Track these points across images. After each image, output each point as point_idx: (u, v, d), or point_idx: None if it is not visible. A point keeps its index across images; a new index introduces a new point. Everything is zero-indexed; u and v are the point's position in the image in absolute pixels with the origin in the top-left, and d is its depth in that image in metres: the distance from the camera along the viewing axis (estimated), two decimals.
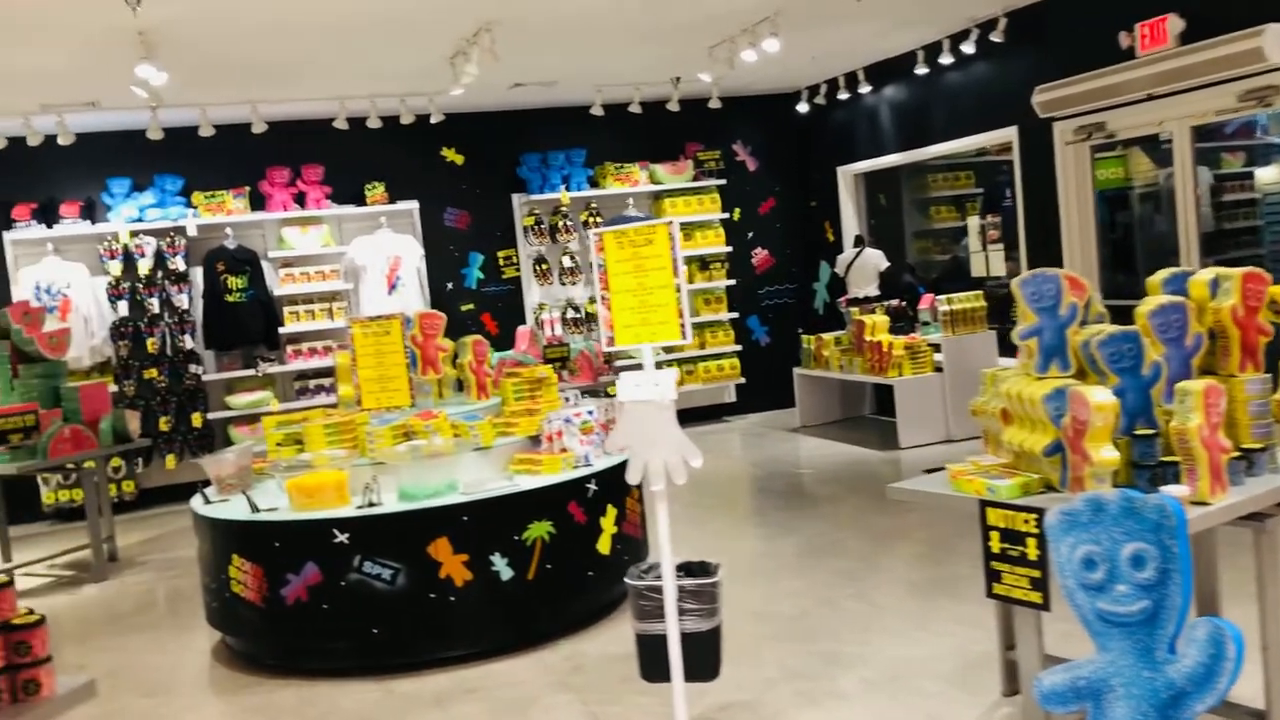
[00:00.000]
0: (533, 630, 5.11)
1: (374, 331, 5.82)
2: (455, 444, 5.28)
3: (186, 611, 6.27)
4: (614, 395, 8.68)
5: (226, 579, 5.11)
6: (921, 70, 9.49)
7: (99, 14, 6.09)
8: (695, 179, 11.18)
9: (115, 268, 9.47)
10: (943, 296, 9.42)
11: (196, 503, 5.50)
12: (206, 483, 5.72)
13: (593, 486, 5.27)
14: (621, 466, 5.52)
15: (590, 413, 5.57)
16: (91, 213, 9.63)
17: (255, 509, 5.12)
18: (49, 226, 9.43)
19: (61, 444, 7.19)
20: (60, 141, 8.79)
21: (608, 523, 5.33)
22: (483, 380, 6.11)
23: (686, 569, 3.71)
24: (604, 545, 5.31)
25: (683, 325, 3.46)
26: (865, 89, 10.28)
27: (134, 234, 9.51)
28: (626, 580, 3.71)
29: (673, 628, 3.54)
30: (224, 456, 5.61)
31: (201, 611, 5.58)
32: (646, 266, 3.47)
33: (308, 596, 4.86)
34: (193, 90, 8.33)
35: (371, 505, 4.96)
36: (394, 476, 5.08)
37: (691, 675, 3.62)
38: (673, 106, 10.17)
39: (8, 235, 9.35)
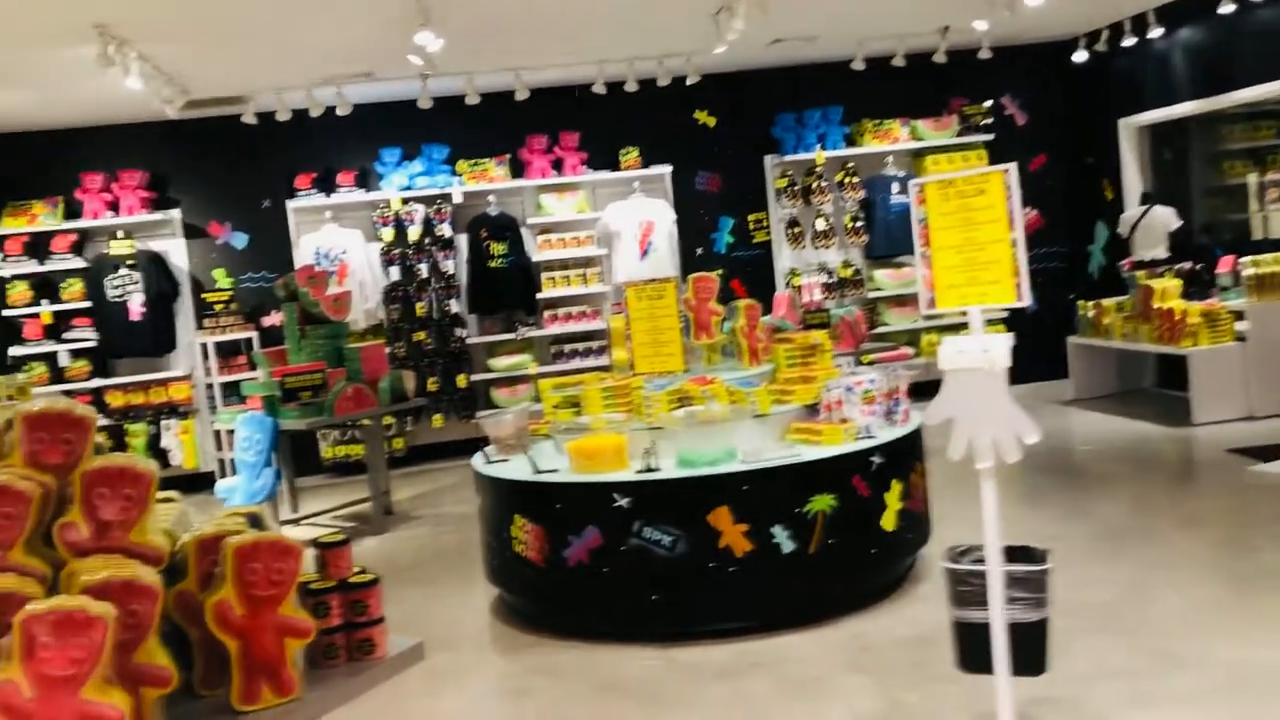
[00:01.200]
0: (814, 606, 4.91)
1: (648, 295, 5.74)
2: (732, 410, 5.12)
3: (462, 567, 6.43)
4: (869, 363, 8.35)
5: (508, 538, 5.16)
6: (1227, 8, 8.55)
7: None
8: (960, 134, 10.57)
9: (387, 234, 9.88)
10: (1247, 258, 8.49)
11: (478, 461, 5.59)
12: (476, 441, 5.80)
13: (877, 459, 5.00)
14: (907, 439, 5.25)
15: (872, 381, 5.28)
16: (365, 181, 10.07)
17: (537, 470, 5.14)
18: (327, 195, 9.93)
19: (345, 402, 7.53)
20: (338, 112, 9.20)
21: (892, 498, 5.05)
22: (754, 346, 5.92)
23: (1009, 554, 3.40)
24: (888, 521, 5.03)
25: (1018, 285, 3.13)
26: (1155, 32, 9.38)
27: (404, 201, 9.88)
28: (944, 564, 3.44)
29: (999, 616, 3.24)
30: (503, 417, 5.68)
31: (477, 567, 5.69)
32: (977, 220, 3.16)
33: (588, 559, 4.84)
34: (461, 58, 8.51)
35: (650, 470, 4.87)
36: (671, 442, 4.98)
37: (1017, 669, 3.32)
38: (939, 58, 9.62)
39: (291, 203, 9.90)
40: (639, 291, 5.77)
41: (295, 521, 8.02)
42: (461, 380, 10.02)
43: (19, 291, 9.38)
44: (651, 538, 4.74)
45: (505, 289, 9.98)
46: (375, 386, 7.78)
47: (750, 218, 10.71)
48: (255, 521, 2.89)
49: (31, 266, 9.44)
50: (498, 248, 9.92)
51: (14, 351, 9.37)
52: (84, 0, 6.05)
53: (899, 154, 10.59)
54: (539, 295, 10.12)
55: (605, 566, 4.82)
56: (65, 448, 2.40)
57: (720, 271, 10.43)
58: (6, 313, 9.36)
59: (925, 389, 4.55)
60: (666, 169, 10.34)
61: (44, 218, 9.53)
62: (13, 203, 9.57)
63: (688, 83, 9.47)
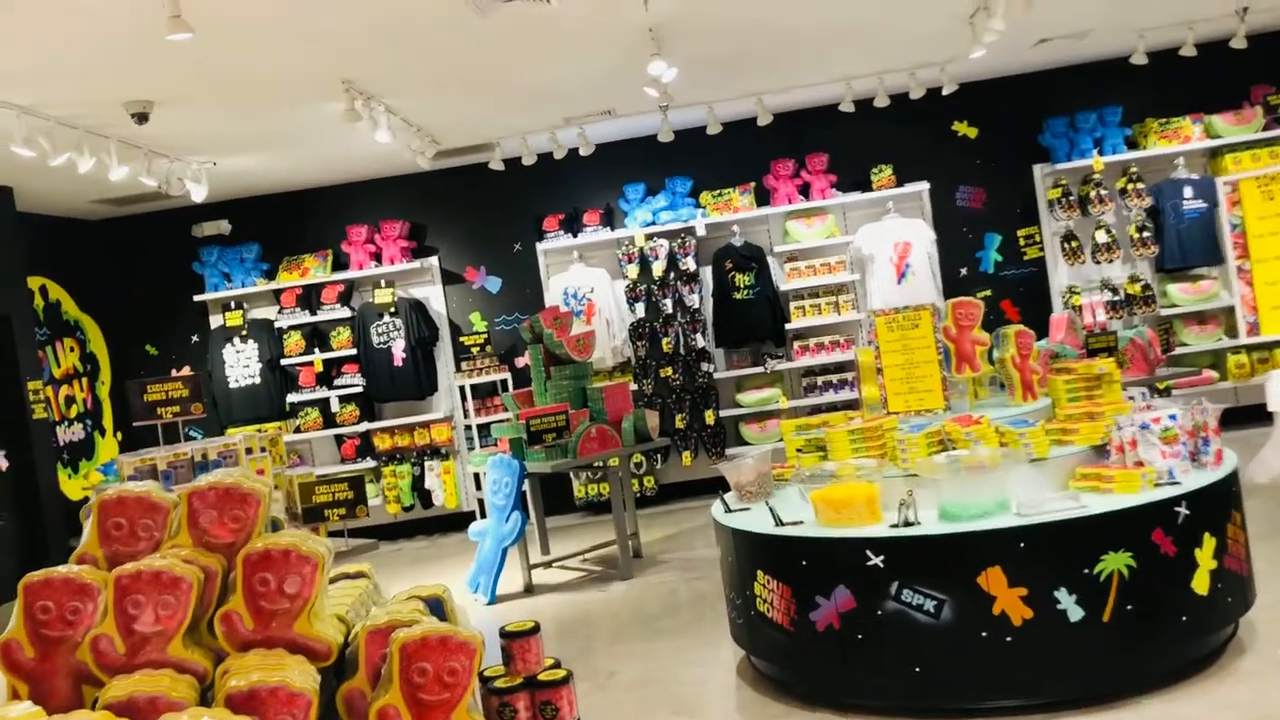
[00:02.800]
0: (1108, 685, 4.19)
1: (899, 324, 5.19)
2: (1003, 454, 4.49)
3: (710, 619, 6.07)
4: (1166, 391, 7.32)
5: (751, 595, 4.74)
6: None
7: (611, 14, 6.07)
8: (1266, 128, 9.27)
9: (632, 271, 9.75)
10: None
11: (717, 510, 5.21)
12: (723, 482, 5.44)
13: (1183, 510, 4.23)
14: (1220, 485, 4.44)
15: (1172, 416, 4.50)
16: (610, 219, 10.00)
17: (779, 522, 4.70)
18: (574, 235, 9.93)
19: (589, 443, 7.37)
20: (581, 153, 9.17)
21: (1204, 555, 4.25)
22: (1028, 378, 5.24)
23: None
24: (1200, 584, 4.23)
25: None
26: None
27: (648, 237, 9.72)
28: None
29: None
30: (743, 462, 5.28)
31: (725, 621, 5.30)
32: None
33: (840, 624, 4.34)
34: (700, 88, 8.26)
35: (908, 524, 4.33)
36: (932, 491, 4.41)
37: None
38: (1237, 43, 8.46)
39: (540, 245, 9.97)
40: (889, 321, 5.23)
41: (546, 565, 7.93)
42: (709, 417, 9.71)
43: (294, 341, 9.91)
44: (912, 602, 4.19)
45: (752, 321, 9.62)
46: (618, 426, 7.59)
47: (1020, 233, 9.84)
48: (437, 607, 2.63)
49: (304, 317, 9.96)
50: (743, 279, 9.58)
51: (291, 399, 9.89)
52: (330, 59, 6.22)
53: (1191, 154, 9.42)
54: (788, 326, 9.68)
55: (859, 632, 4.31)
56: (234, 526, 2.23)
57: (987, 293, 9.67)
58: (285, 362, 9.89)
59: (1233, 417, 3.76)
60: (923, 186, 9.67)
61: (315, 270, 10.04)
62: (289, 258, 10.14)
63: (944, 93, 8.81)
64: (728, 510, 5.16)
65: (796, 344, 9.73)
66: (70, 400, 9.34)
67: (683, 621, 6.34)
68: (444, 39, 6.16)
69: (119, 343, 10.23)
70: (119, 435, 9.78)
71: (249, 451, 5.10)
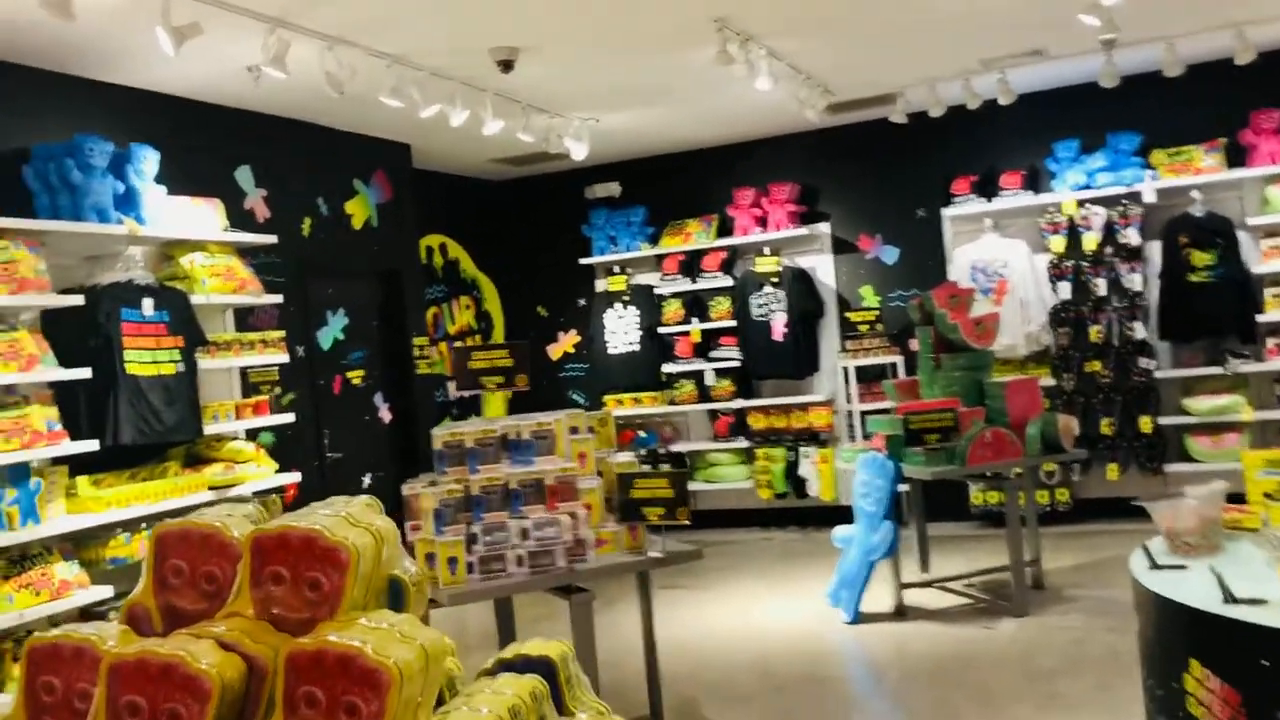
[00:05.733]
0: None
1: None
2: None
3: (1125, 692, 4.69)
4: None
5: (1179, 691, 3.42)
6: None
7: None
8: None
9: (1057, 243, 8.24)
10: None
11: (1138, 563, 3.88)
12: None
13: None
14: None
15: None
16: (1034, 182, 8.52)
17: (1229, 596, 3.33)
18: (988, 199, 8.56)
19: (981, 449, 6.15)
20: (1001, 103, 7.80)
21: None
22: None
23: None
24: None
25: None
26: None
27: (1080, 204, 8.15)
28: None
29: None
30: (1183, 503, 3.89)
31: (1143, 709, 3.97)
32: None
33: None
34: (1155, 18, 6.63)
35: None
36: None
37: None
38: None
39: (946, 211, 8.71)
40: None
41: (925, 584, 6.81)
42: (1145, 424, 7.99)
43: (673, 309, 9.44)
44: None
45: (1211, 309, 7.76)
46: (1021, 431, 6.27)
47: None
48: (554, 697, 1.76)
49: (684, 285, 9.45)
50: (1202, 257, 7.74)
51: (667, 369, 9.44)
52: None
53: None
54: (1259, 318, 7.70)
55: None
56: (311, 596, 1.50)
57: None
58: (662, 330, 9.46)
59: None
60: None
61: (698, 236, 9.49)
62: (673, 222, 9.68)
63: None
64: (1152, 565, 3.81)
65: (1270, 341, 7.73)
66: None
67: (1085, 688, 5.01)
68: None
69: (512, 303, 10.33)
70: (511, 391, 9.85)
71: (574, 431, 4.49)
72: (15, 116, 5.48)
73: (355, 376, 7.93)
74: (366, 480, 7.81)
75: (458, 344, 8.99)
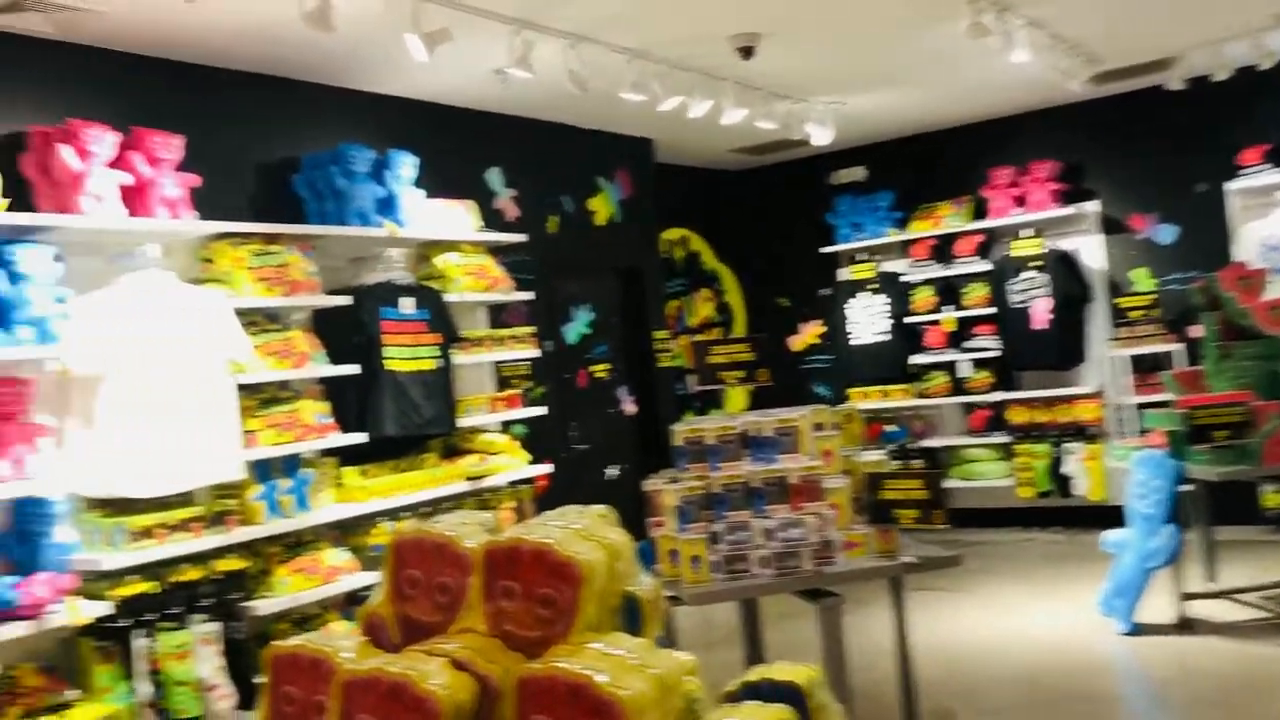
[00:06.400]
0: None
1: None
2: None
3: None
4: None
5: None
6: None
7: None
8: None
9: None
10: None
11: None
12: None
13: None
14: None
15: None
16: None
17: None
18: None
19: (1279, 447, 5.50)
20: None
21: None
22: None
23: None
24: None
25: None
26: None
27: None
28: None
29: None
30: None
31: None
32: None
33: None
34: None
35: None
36: None
37: None
38: None
39: (1230, 185, 7.88)
40: None
41: (1213, 595, 6.18)
42: None
43: (923, 297, 9.02)
44: None
45: None
46: None
47: None
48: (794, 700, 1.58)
49: (935, 271, 9.01)
50: None
51: (915, 360, 9.05)
52: None
53: None
54: None
55: None
56: (544, 614, 1.41)
57: None
58: (910, 320, 9.07)
59: None
60: None
61: (949, 219, 9.03)
62: (922, 206, 9.26)
63: None
64: None
65: None
66: None
67: None
68: None
69: (753, 294, 10.20)
70: (752, 386, 9.73)
71: (818, 428, 4.32)
72: (286, 129, 5.84)
73: (599, 370, 8.04)
74: (611, 472, 7.90)
75: (697, 338, 8.95)
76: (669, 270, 9.22)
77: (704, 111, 6.53)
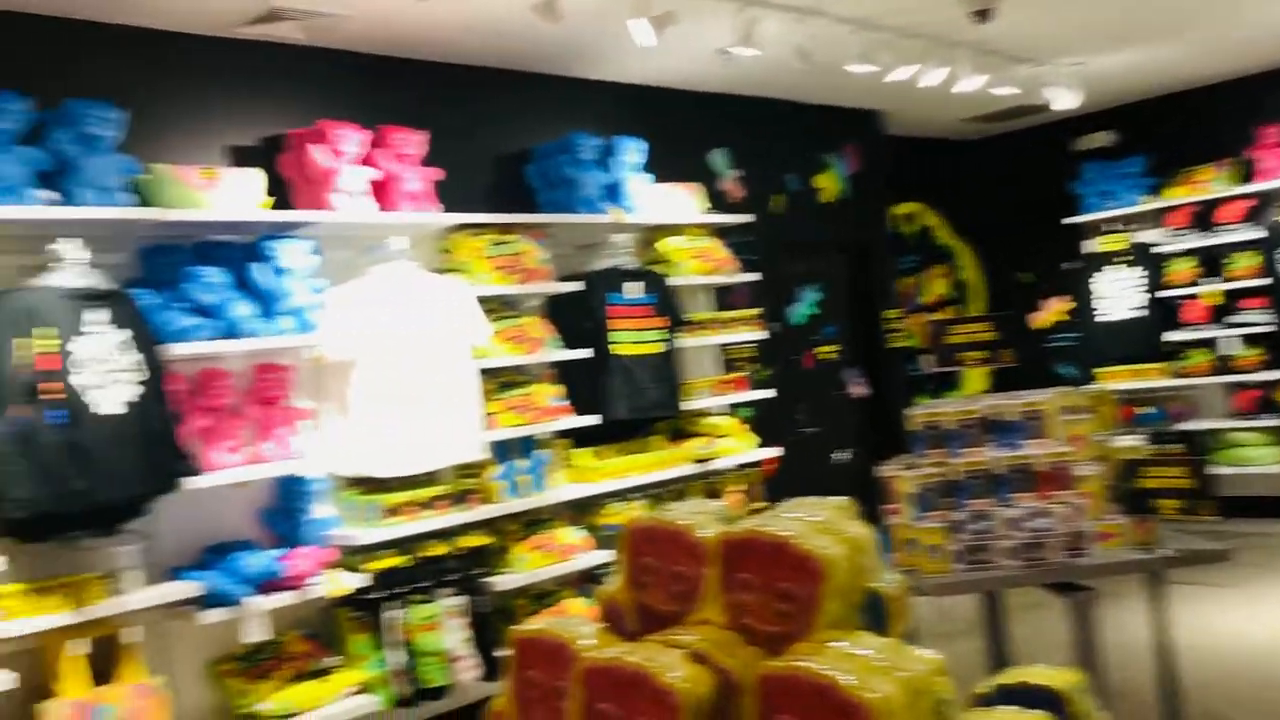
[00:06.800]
0: None
1: None
2: None
3: None
4: None
5: None
6: None
7: None
8: None
9: None
10: None
11: None
12: None
13: None
14: None
15: None
16: None
17: None
18: None
19: None
20: None
21: None
22: None
23: None
24: None
25: None
26: None
27: None
28: None
29: None
30: None
31: None
32: None
33: None
34: None
35: None
36: None
37: None
38: None
39: None
40: None
41: None
42: None
43: (1180, 269, 8.34)
44: None
45: None
46: None
47: None
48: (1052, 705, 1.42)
49: (1194, 241, 8.30)
50: None
51: (1170, 337, 8.38)
52: None
53: None
54: None
55: None
56: (783, 608, 1.33)
57: None
58: (1164, 293, 8.40)
59: None
60: None
61: (1212, 184, 8.30)
62: (1180, 170, 8.55)
63: None
64: None
65: None
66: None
67: None
68: None
69: (991, 270, 9.74)
70: (994, 367, 9.31)
71: (1067, 411, 4.07)
72: (517, 120, 6.01)
73: (827, 352, 7.88)
74: (840, 456, 7.74)
75: (933, 317, 8.63)
76: (900, 247, 8.93)
77: (937, 81, 6.26)
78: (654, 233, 6.31)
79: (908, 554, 3.91)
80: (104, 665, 3.87)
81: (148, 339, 3.98)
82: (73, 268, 3.87)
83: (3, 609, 3.64)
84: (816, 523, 1.46)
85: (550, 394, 5.39)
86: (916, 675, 1.36)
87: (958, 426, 4.02)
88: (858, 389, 8.04)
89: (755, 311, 6.66)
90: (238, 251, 4.43)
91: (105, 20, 4.48)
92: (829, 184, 7.94)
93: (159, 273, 4.27)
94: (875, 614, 1.55)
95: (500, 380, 5.23)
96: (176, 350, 4.09)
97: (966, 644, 5.02)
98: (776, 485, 6.45)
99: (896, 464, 4.19)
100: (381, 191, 5.00)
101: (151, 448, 3.92)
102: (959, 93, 6.55)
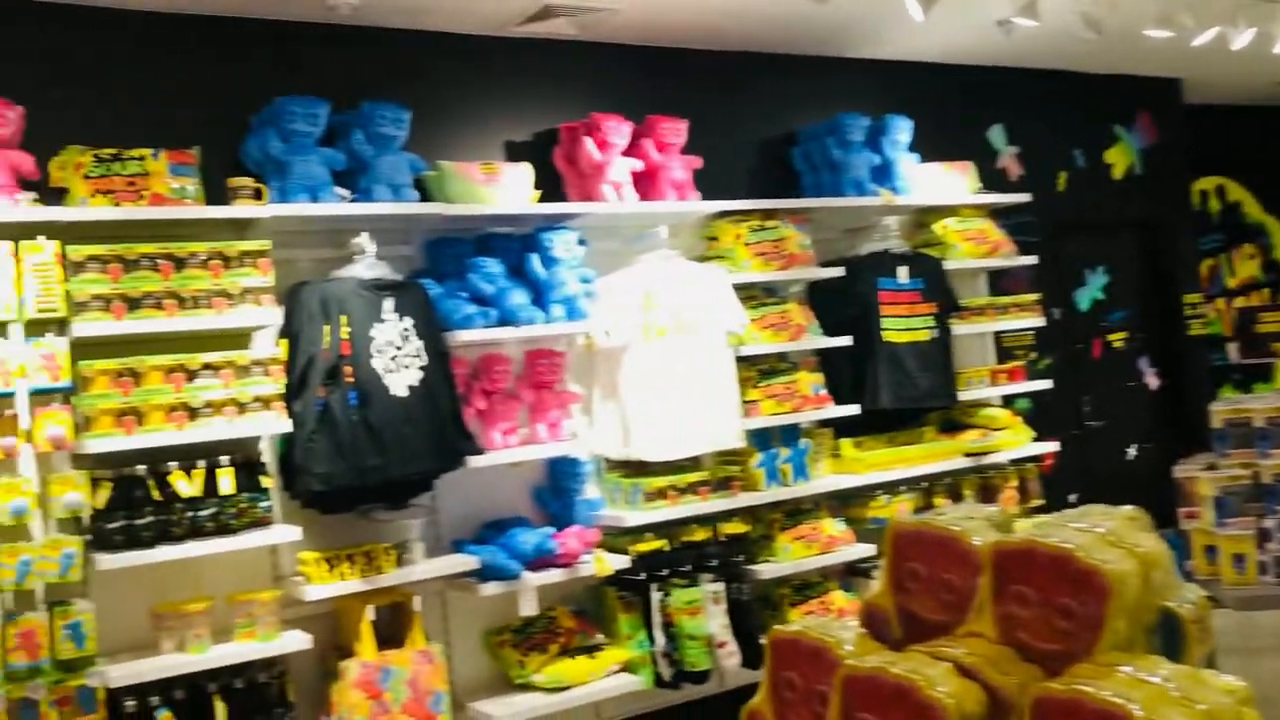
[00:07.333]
0: None
1: None
2: None
3: None
4: None
5: None
6: None
7: None
8: None
9: None
10: None
11: None
12: None
13: None
14: None
15: None
16: None
17: None
18: None
19: None
20: None
21: None
22: None
23: None
24: None
25: None
26: None
27: None
28: None
29: None
30: None
31: None
32: None
33: None
34: None
35: None
36: None
37: None
38: None
39: None
40: None
41: None
42: None
43: None
44: None
45: None
46: None
47: None
48: None
49: None
50: None
51: None
52: None
53: None
54: None
55: None
56: (1064, 625, 1.19)
57: None
58: None
59: None
60: None
61: None
62: None
63: None
64: None
65: None
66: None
67: None
68: None
69: None
70: None
71: None
72: (782, 103, 5.92)
73: (1117, 339, 7.32)
74: (1130, 452, 7.18)
75: (1240, 302, 7.85)
76: (1202, 225, 8.18)
77: (1247, 41, 5.66)
78: (924, 214, 6.07)
79: (1206, 563, 3.57)
80: (389, 631, 4.16)
81: (431, 326, 4.23)
82: (365, 259, 4.16)
83: (304, 575, 3.99)
84: (1103, 534, 1.32)
85: (812, 382, 5.30)
86: (1218, 708, 1.21)
87: (1268, 424, 3.62)
88: (1151, 380, 7.43)
89: (1034, 297, 6.28)
90: (515, 243, 4.62)
91: (391, 26, 4.78)
92: (1120, 158, 7.37)
93: (443, 264, 4.52)
94: (1170, 637, 1.39)
95: (761, 368, 5.19)
96: (460, 337, 4.32)
97: (1274, 663, 4.55)
98: (1056, 482, 6.07)
99: (1196, 464, 3.83)
100: (645, 181, 5.07)
101: (439, 428, 4.17)
102: (1274, 55, 5.90)
